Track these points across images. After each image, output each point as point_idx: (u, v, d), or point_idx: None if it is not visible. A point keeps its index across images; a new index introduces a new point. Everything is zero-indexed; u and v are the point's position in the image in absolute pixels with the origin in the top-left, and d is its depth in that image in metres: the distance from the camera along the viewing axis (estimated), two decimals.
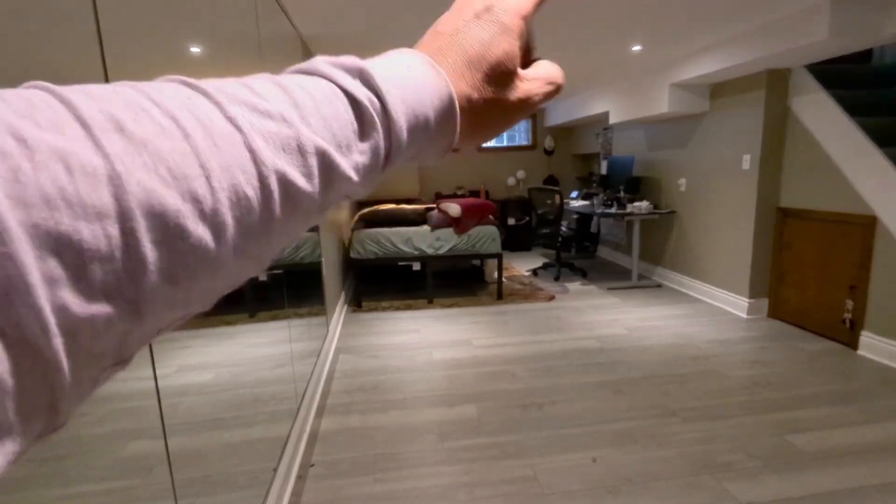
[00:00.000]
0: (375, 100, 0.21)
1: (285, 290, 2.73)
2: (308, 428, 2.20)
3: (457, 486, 1.81)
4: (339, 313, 3.71)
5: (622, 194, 4.86)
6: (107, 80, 0.87)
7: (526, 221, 6.87)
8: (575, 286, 4.70)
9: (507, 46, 0.25)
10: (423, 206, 4.58)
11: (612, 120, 4.94)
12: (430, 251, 4.19)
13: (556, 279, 4.96)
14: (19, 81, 0.16)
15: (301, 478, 1.87)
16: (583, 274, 5.13)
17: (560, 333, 3.40)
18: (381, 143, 0.21)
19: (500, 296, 4.30)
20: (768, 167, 3.44)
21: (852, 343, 2.96)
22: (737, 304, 3.73)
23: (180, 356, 2.18)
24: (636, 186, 4.96)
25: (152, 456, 1.50)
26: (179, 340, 2.25)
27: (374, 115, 0.21)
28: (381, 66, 0.22)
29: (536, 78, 0.26)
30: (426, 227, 4.22)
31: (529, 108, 0.26)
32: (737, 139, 3.63)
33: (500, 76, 0.24)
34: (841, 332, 3.05)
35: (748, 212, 3.57)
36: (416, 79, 0.22)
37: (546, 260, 5.60)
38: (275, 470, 1.71)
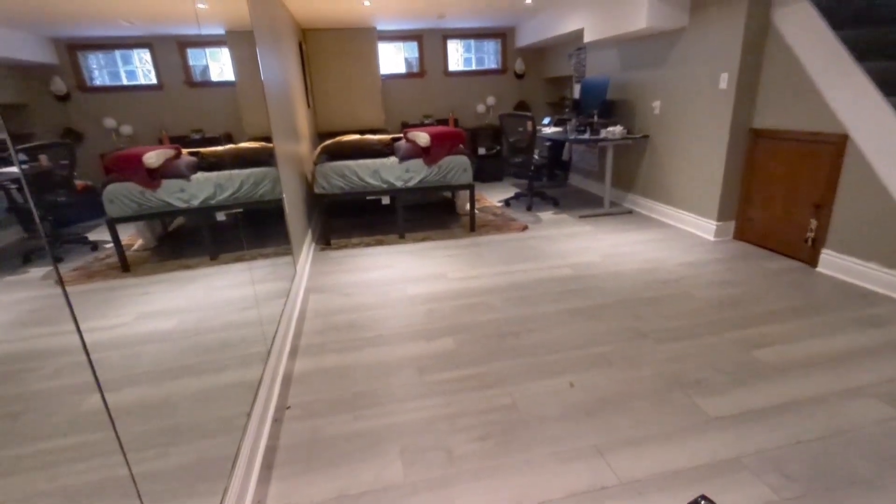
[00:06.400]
0: None
1: (245, 229, 2.55)
2: (281, 370, 2.14)
3: (438, 417, 1.81)
4: (306, 252, 3.56)
5: (595, 119, 4.71)
6: None
7: (497, 151, 6.68)
8: (547, 215, 4.66)
9: None
10: (389, 137, 4.32)
11: (587, 38, 4.66)
12: (399, 184, 4.01)
13: (529, 209, 4.90)
14: None
15: (277, 421, 1.83)
16: (555, 203, 5.08)
17: (534, 263, 3.39)
18: None
19: (472, 228, 4.22)
20: (745, 86, 3.34)
21: (812, 261, 3.07)
22: (705, 228, 3.79)
23: (138, 303, 2.03)
24: (610, 110, 4.81)
25: (115, 408, 1.40)
26: (135, 287, 2.08)
27: None
28: None
29: None
30: (394, 159, 4.00)
31: None
32: (715, 56, 3.48)
33: None
34: (802, 251, 3.15)
35: (721, 134, 3.51)
36: None
37: (518, 190, 5.50)
38: (248, 414, 1.65)
